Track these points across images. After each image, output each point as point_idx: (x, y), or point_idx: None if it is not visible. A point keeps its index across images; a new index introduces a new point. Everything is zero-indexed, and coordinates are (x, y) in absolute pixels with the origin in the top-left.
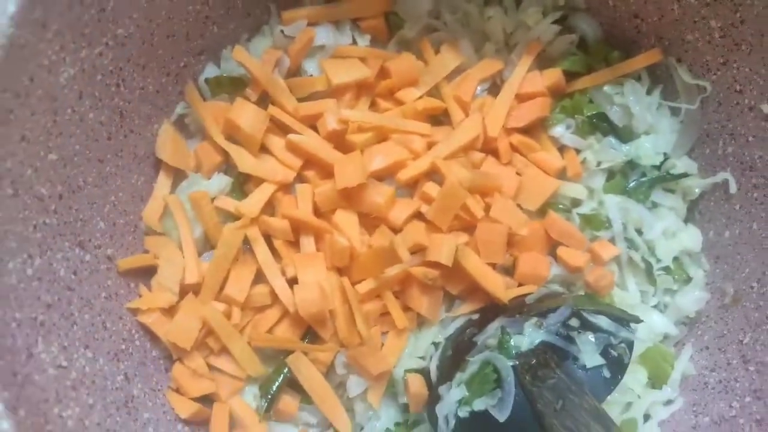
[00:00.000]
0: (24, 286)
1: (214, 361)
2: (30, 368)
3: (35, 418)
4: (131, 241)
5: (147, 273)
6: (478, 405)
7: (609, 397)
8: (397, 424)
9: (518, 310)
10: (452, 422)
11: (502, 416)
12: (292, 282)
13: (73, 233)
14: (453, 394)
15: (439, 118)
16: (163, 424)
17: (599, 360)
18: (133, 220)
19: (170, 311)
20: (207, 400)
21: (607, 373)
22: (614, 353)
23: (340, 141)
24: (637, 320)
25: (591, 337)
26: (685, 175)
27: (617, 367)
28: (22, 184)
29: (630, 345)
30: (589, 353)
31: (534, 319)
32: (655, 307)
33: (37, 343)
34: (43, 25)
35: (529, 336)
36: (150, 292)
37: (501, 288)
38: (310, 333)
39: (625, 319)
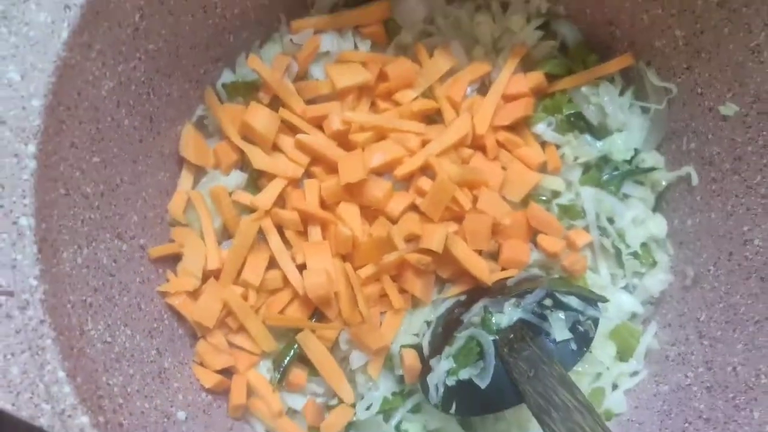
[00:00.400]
0: (75, 273)
1: (233, 338)
2: (83, 343)
3: (89, 385)
4: (159, 231)
5: (173, 260)
6: (464, 374)
7: (580, 368)
8: (393, 394)
9: (500, 291)
10: (441, 390)
11: (483, 383)
12: (302, 268)
13: (112, 226)
14: (442, 365)
15: (433, 117)
16: (191, 393)
17: (567, 334)
18: (161, 213)
19: (194, 294)
20: (227, 372)
21: (574, 346)
22: (581, 329)
23: (343, 140)
24: (604, 300)
25: (561, 315)
26: (653, 168)
27: (583, 340)
28: (72, 185)
29: (596, 322)
30: (559, 329)
31: (513, 300)
32: (624, 288)
33: (87, 322)
34: (89, 46)
35: (509, 314)
36: (176, 277)
37: (486, 273)
38: (317, 313)
39: (593, 299)
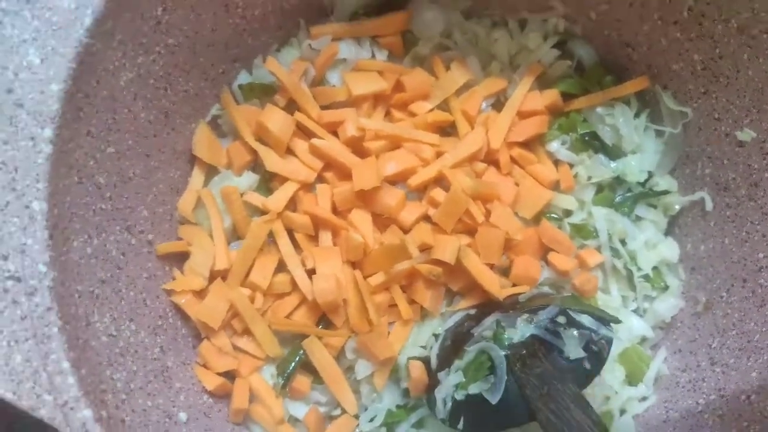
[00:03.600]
0: (84, 263)
1: (237, 341)
2: (88, 334)
3: (93, 377)
4: (168, 228)
5: (181, 258)
6: (473, 389)
7: (589, 390)
8: (398, 406)
9: (512, 307)
10: (449, 404)
11: (494, 399)
12: (311, 273)
13: (122, 219)
14: (451, 379)
15: (447, 130)
16: (192, 394)
17: (581, 353)
18: (170, 209)
19: (200, 294)
20: (229, 375)
21: (587, 365)
22: (595, 348)
23: (358, 146)
24: (617, 321)
25: (575, 332)
26: (666, 192)
27: (597, 360)
28: (86, 173)
29: (609, 342)
30: (572, 346)
31: (525, 315)
32: (634, 311)
33: (94, 313)
34: (111, 34)
35: (521, 330)
36: (183, 275)
37: (497, 287)
38: (324, 319)
39: (606, 319)
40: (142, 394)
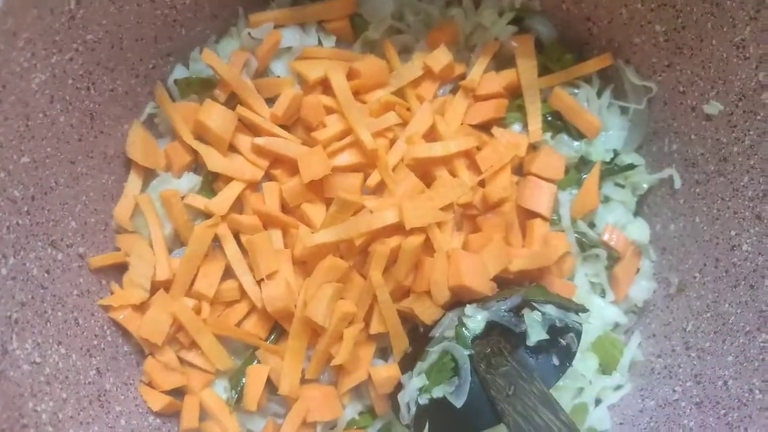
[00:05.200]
0: None
1: (185, 355)
2: (5, 365)
3: (10, 412)
4: (102, 239)
5: (118, 270)
6: (437, 392)
7: (561, 382)
8: (361, 413)
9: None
10: (413, 409)
11: (458, 402)
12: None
13: (45, 233)
14: (414, 382)
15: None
16: (135, 417)
17: (544, 335)
18: (104, 218)
19: (141, 307)
20: (178, 393)
21: (556, 361)
22: (563, 342)
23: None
24: (584, 309)
25: (537, 316)
26: (633, 165)
27: (565, 355)
28: None
29: (578, 334)
30: (535, 329)
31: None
32: (604, 296)
33: (12, 340)
34: (14, 33)
35: (479, 318)
36: (121, 289)
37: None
38: (278, 327)
39: (571, 308)
40: (73, 424)
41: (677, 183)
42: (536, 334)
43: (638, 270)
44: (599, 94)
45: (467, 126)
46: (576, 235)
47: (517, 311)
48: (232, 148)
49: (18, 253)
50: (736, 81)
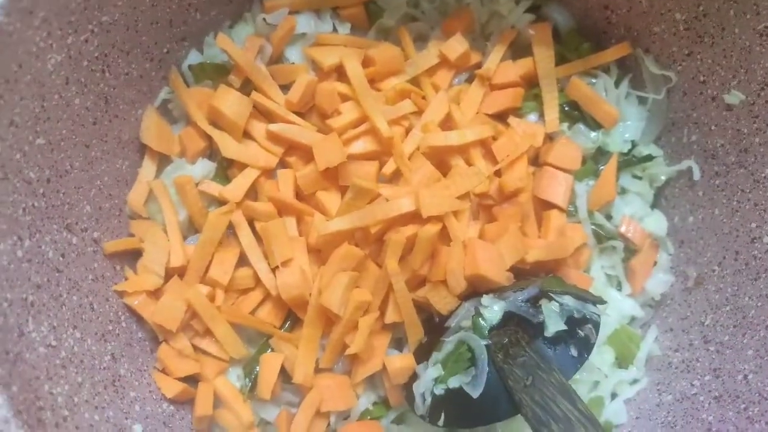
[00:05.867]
0: (14, 267)
1: (199, 342)
2: (21, 347)
3: (27, 394)
4: (117, 224)
5: (132, 256)
6: (453, 382)
7: (577, 375)
8: (375, 403)
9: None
10: (428, 399)
11: (475, 392)
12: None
13: (60, 216)
14: (429, 372)
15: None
16: (149, 403)
17: (562, 326)
18: (118, 204)
19: (156, 294)
20: (192, 380)
21: (574, 352)
22: (581, 333)
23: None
24: (601, 301)
25: (555, 307)
26: (651, 157)
27: (584, 346)
28: (11, 168)
29: (596, 326)
30: (553, 320)
31: (501, 295)
32: (621, 289)
33: (28, 323)
34: (30, 12)
35: (496, 308)
36: (135, 275)
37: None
38: (292, 315)
39: (589, 300)
40: (88, 408)
41: (696, 174)
42: (554, 324)
43: (655, 263)
44: (617, 84)
45: (483, 115)
46: (593, 226)
47: (534, 302)
48: (247, 135)
49: (34, 235)
50: (759, 70)
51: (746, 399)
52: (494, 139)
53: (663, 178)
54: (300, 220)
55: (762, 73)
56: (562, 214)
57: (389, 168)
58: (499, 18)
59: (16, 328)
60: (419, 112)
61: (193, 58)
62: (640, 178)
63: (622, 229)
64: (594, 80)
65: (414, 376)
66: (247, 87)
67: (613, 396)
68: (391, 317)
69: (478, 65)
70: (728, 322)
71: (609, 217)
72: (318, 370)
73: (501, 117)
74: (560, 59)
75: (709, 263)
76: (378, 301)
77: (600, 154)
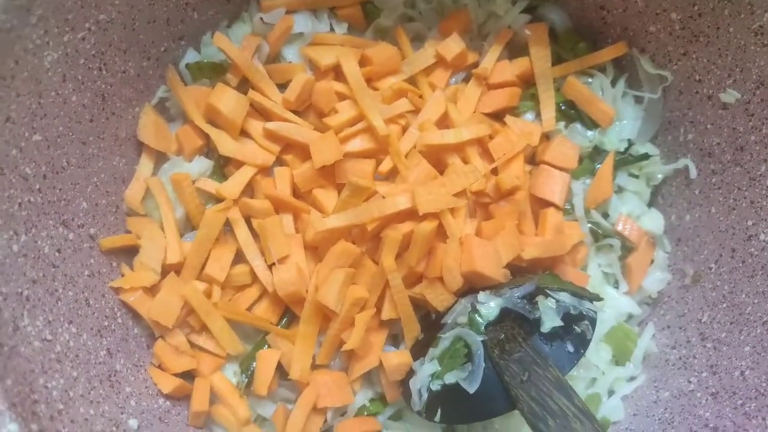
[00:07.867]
0: (10, 262)
1: (196, 338)
2: (16, 340)
3: (21, 387)
4: (113, 221)
5: (129, 253)
6: (450, 378)
7: (574, 372)
8: (371, 400)
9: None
10: (425, 396)
11: (472, 388)
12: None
13: (56, 212)
14: (426, 368)
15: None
16: (145, 398)
17: (558, 322)
18: (115, 200)
19: (152, 290)
20: (188, 376)
21: (570, 348)
22: (578, 329)
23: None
24: (598, 298)
25: (551, 303)
26: (647, 155)
27: (580, 342)
28: (8, 164)
29: (593, 322)
30: (549, 316)
31: (497, 292)
32: (618, 287)
33: (23, 317)
34: (27, 9)
35: (494, 305)
36: (132, 271)
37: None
38: (289, 311)
39: (585, 296)
40: (83, 402)
41: (693, 173)
42: (550, 320)
43: (652, 261)
44: (613, 84)
45: (480, 114)
46: (589, 224)
47: (530, 298)
48: (244, 133)
49: (30, 230)
50: (754, 68)
51: (743, 395)
52: (491, 137)
53: (660, 176)
54: (297, 217)
55: (757, 72)
56: (558, 212)
57: (386, 166)
58: (495, 18)
59: (11, 322)
60: (416, 111)
61: (191, 56)
62: (636, 177)
63: (619, 227)
64: (590, 80)
65: (411, 373)
66: (244, 86)
67: (611, 393)
68: (387, 314)
69: (475, 65)
70: (725, 319)
71: (606, 216)
72: (315, 367)
73: (498, 116)
74: (557, 59)
75: (706, 261)
76: (374, 298)
77: (597, 153)
